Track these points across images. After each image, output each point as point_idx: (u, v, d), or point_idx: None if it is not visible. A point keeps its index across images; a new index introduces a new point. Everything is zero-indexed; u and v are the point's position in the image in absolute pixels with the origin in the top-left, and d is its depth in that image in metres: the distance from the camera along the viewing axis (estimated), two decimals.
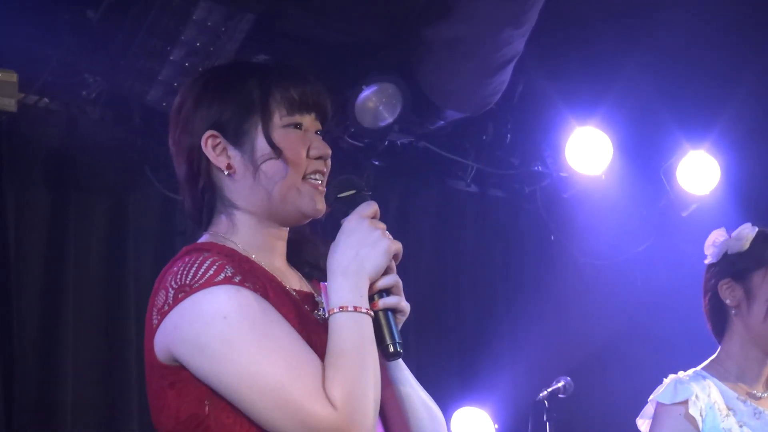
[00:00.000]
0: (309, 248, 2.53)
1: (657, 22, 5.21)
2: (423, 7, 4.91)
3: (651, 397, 3.71)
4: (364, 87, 5.19)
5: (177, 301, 2.24)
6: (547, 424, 5.18)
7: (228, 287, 2.25)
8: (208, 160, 2.40)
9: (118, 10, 4.61)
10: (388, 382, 2.45)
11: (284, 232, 2.45)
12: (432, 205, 6.28)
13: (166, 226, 5.21)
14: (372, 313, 2.27)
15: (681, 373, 3.69)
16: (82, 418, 4.95)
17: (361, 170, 5.24)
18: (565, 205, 6.04)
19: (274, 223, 2.43)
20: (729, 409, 3.61)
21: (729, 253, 3.76)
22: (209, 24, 4.69)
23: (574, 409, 5.36)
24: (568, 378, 5.19)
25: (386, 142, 5.50)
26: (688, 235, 5.40)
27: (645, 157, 5.94)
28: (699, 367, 3.71)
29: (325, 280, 2.42)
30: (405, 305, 2.36)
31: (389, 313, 2.32)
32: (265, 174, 2.38)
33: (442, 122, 5.39)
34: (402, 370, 2.47)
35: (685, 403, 3.59)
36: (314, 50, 5.13)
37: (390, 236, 2.35)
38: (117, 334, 5.11)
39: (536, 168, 5.95)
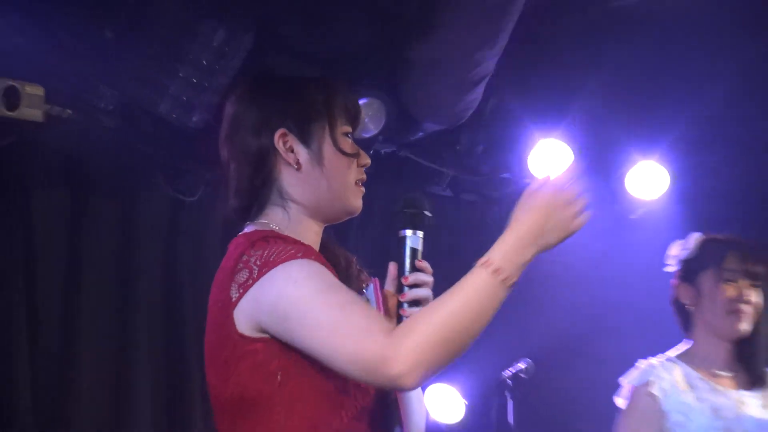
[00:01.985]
0: (339, 252, 2.53)
1: (612, 48, 5.22)
2: (405, 31, 4.90)
3: (623, 378, 3.83)
4: None
5: (261, 275, 2.23)
6: (510, 401, 5.24)
7: (302, 260, 2.24)
8: (275, 156, 2.40)
9: (133, 30, 4.61)
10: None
11: (322, 229, 2.46)
12: None
13: (173, 225, 5.21)
14: (510, 288, 2.20)
15: (652, 359, 3.83)
16: (95, 416, 4.92)
17: None
18: None
19: (318, 218, 2.43)
20: (690, 387, 3.74)
21: (682, 259, 3.90)
22: (214, 44, 4.69)
23: (535, 388, 5.38)
24: (530, 360, 5.25)
25: (371, 151, 5.41)
26: (639, 236, 5.87)
27: (601, 165, 5.95)
28: (670, 353, 3.86)
29: (346, 282, 2.38)
30: None
31: None
32: (328, 171, 2.39)
33: (422, 133, 5.43)
34: None
35: (648, 384, 3.74)
36: (306, 68, 5.11)
37: (580, 212, 2.25)
38: (129, 332, 5.07)
39: (504, 175, 5.96)
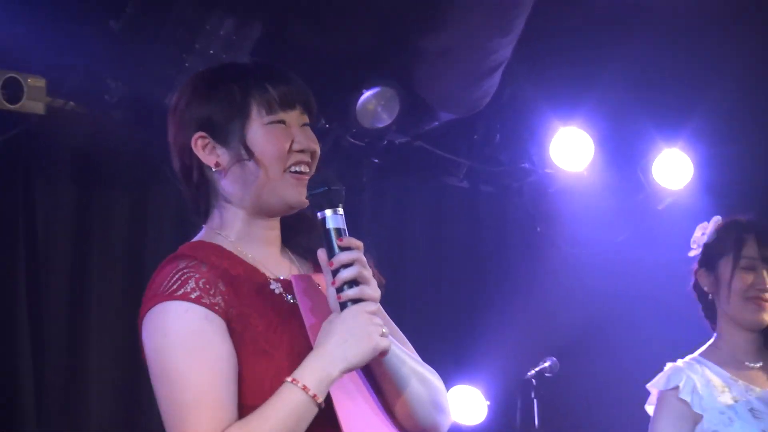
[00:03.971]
0: (304, 231, 2.54)
1: (632, 29, 5.39)
2: (417, 18, 5.01)
3: (649, 384, 3.85)
4: (364, 90, 5.27)
5: (146, 309, 2.35)
6: (535, 401, 5.34)
7: (180, 303, 2.34)
8: (198, 160, 2.45)
9: (138, 21, 4.68)
10: (384, 372, 2.47)
11: (274, 222, 2.48)
12: (427, 199, 6.33)
13: (182, 219, 5.10)
14: (323, 405, 2.31)
15: (679, 361, 3.83)
16: (105, 410, 5.03)
17: (362, 168, 5.33)
18: (550, 199, 6.18)
19: (263, 215, 2.46)
20: (724, 387, 3.75)
21: (702, 244, 3.92)
22: (221, 33, 4.75)
23: (559, 387, 5.53)
24: (554, 358, 5.34)
25: (385, 142, 5.58)
26: (664, 227, 5.93)
27: (623, 154, 6.11)
28: (696, 353, 3.86)
29: (315, 260, 2.43)
30: (371, 293, 2.37)
31: (354, 303, 2.35)
32: (250, 169, 2.43)
33: (436, 123, 5.52)
34: (392, 355, 2.49)
35: (677, 388, 3.73)
36: (318, 58, 5.09)
37: (385, 331, 2.36)
38: (137, 328, 5.15)
39: (523, 165, 6.07)
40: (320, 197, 2.35)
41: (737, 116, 5.94)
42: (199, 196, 2.47)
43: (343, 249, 2.34)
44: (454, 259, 6.36)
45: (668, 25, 5.36)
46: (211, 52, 4.72)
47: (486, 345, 6.04)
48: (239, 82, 2.46)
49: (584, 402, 6.05)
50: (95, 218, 5.10)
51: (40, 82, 4.60)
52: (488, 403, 5.82)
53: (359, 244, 2.35)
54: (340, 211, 2.36)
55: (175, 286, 2.33)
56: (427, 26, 4.98)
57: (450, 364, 5.87)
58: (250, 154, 2.40)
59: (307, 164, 2.43)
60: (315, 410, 2.28)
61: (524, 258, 6.40)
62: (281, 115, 2.44)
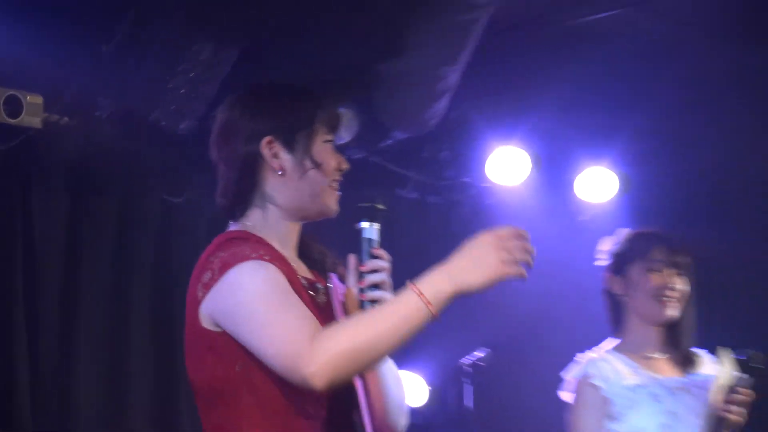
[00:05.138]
0: (315, 247, 2.55)
1: (565, 58, 5.41)
2: (378, 47, 5.02)
3: (568, 374, 3.92)
4: None
5: (219, 276, 2.28)
6: (470, 387, 5.39)
7: (257, 261, 2.28)
8: (262, 162, 2.42)
9: (126, 45, 4.69)
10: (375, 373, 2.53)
11: (299, 227, 2.48)
12: None
13: (166, 226, 5.28)
14: (435, 314, 2.22)
15: (589, 352, 3.93)
16: (93, 412, 4.96)
17: None
18: (488, 210, 6.24)
19: (296, 218, 2.46)
20: (631, 373, 3.83)
21: (612, 252, 4.00)
22: (202, 57, 4.77)
23: (493, 375, 5.53)
24: (489, 349, 5.41)
25: (344, 157, 4.93)
26: (589, 237, 5.21)
27: (555, 170, 6.10)
28: (605, 346, 3.94)
29: (322, 274, 2.48)
30: (388, 299, 2.39)
31: (374, 304, 2.39)
32: (308, 177, 2.42)
33: (390, 141, 5.55)
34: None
35: (588, 376, 3.84)
36: (288, 81, 4.31)
37: (516, 261, 2.24)
38: (123, 326, 5.09)
39: (465, 179, 6.08)
40: (365, 210, 2.44)
41: (658, 139, 5.92)
42: (242, 199, 2.45)
43: (373, 258, 2.41)
44: (403, 263, 5.49)
45: (601, 54, 5.35)
46: (192, 74, 4.77)
47: (427, 336, 5.44)
48: (306, 99, 2.48)
49: (516, 390, 6.04)
50: (87, 224, 5.03)
51: (37, 99, 4.60)
52: (429, 387, 5.95)
53: (388, 257, 2.41)
54: (377, 226, 2.43)
55: (248, 252, 2.31)
56: (386, 53, 4.96)
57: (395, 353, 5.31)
58: (316, 164, 2.41)
59: (339, 182, 2.50)
60: (427, 319, 2.20)
61: None
62: (331, 137, 2.49)
